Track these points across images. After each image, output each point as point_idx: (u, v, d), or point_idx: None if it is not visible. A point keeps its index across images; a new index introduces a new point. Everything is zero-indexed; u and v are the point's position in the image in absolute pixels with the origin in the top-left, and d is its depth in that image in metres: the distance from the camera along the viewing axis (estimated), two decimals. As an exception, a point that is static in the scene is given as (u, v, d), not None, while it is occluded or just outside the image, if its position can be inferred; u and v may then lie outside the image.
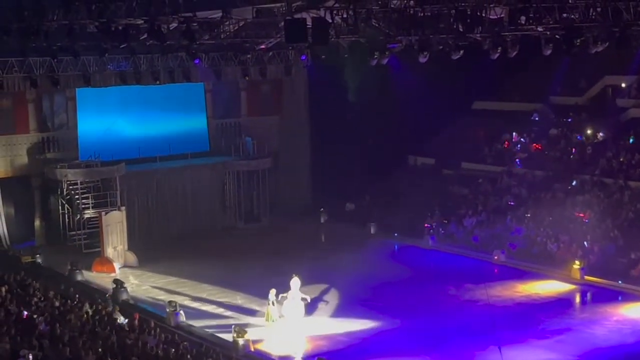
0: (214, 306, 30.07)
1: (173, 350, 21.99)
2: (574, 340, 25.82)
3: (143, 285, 33.02)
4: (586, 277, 31.92)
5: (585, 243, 33.88)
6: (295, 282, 27.69)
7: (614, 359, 24.31)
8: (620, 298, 30.14)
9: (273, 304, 27.48)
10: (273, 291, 27.61)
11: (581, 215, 35.83)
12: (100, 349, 20.97)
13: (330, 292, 31.05)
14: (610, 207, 35.84)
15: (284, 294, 27.59)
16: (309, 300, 28.05)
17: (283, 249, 37.60)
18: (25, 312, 23.70)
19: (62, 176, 38.23)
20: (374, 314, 28.48)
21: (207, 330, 27.32)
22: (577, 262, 32.19)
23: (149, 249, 37.25)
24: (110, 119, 41.21)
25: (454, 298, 30.60)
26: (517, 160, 42.20)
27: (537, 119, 44.71)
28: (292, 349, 25.91)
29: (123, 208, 37.37)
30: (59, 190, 38.72)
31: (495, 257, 35.06)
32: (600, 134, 41.35)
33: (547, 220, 36.30)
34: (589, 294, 31.18)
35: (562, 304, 29.91)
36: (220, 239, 40.67)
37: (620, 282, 31.05)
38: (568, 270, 32.31)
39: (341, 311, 29.06)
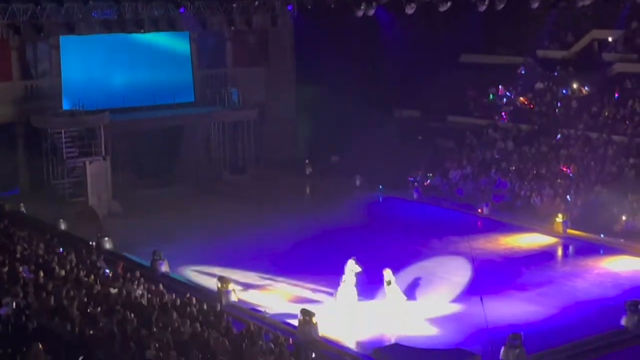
0: (198, 256, 29.89)
1: (157, 299, 22.07)
2: (555, 293, 25.97)
3: (128, 234, 32.88)
4: (569, 231, 32.09)
5: (568, 197, 34.07)
6: (350, 264, 24.50)
7: (595, 311, 24.49)
8: (601, 251, 30.31)
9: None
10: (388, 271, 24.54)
11: (565, 169, 35.96)
12: (84, 298, 21.05)
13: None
14: (594, 162, 35.99)
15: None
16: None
17: (268, 201, 37.64)
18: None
19: (46, 124, 37.99)
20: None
21: (192, 280, 27.42)
22: (560, 216, 32.34)
23: (134, 198, 37.19)
24: (94, 67, 40.87)
25: (438, 250, 30.71)
26: (502, 113, 42.18)
27: (523, 72, 44.59)
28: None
29: (108, 157, 37.24)
30: (43, 138, 38.53)
31: (479, 210, 35.21)
32: (586, 88, 41.36)
33: (531, 174, 36.46)
34: (571, 248, 31.39)
35: (544, 257, 30.06)
36: (205, 189, 40.57)
37: (602, 235, 31.25)
38: (551, 224, 32.46)
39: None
